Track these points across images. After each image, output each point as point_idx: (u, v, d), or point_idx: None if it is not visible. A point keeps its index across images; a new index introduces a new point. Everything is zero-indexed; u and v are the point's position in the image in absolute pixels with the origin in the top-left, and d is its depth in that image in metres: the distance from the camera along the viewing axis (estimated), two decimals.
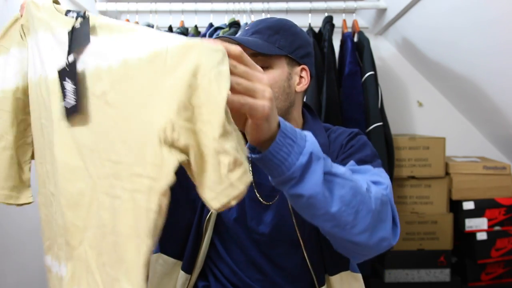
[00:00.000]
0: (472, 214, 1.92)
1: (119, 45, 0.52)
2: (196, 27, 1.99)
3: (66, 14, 0.60)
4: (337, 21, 1.97)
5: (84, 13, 0.57)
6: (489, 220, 1.90)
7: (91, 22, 0.55)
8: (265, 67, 0.81)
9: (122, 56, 0.51)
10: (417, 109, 2.40)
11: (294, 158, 0.55)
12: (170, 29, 2.00)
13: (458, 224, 1.95)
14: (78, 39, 0.55)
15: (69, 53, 0.56)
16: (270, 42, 0.81)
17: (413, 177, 1.95)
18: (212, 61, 0.45)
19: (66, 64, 0.56)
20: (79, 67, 0.55)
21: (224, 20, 1.98)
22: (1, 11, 1.33)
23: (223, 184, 0.45)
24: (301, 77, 0.86)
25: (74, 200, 0.56)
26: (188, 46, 0.46)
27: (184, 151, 0.46)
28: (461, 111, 2.35)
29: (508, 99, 1.79)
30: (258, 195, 0.84)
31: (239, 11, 1.99)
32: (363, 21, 2.34)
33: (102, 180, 0.53)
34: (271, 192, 0.84)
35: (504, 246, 1.91)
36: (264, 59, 0.80)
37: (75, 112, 0.55)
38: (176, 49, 0.46)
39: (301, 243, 0.81)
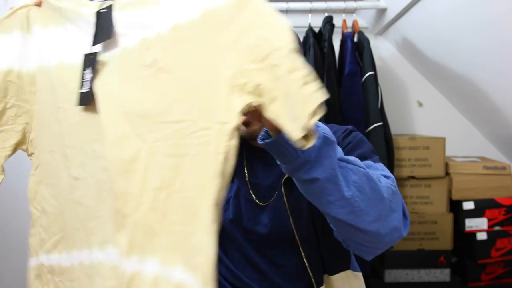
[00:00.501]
0: (472, 214, 1.91)
1: (161, 13, 0.53)
2: None
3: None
4: (337, 21, 1.96)
5: None
6: (489, 220, 1.90)
7: (118, 4, 0.57)
8: None
9: (170, 22, 0.52)
10: (417, 109, 2.40)
11: None
12: None
13: (458, 224, 1.95)
14: (104, 23, 0.57)
15: (94, 40, 0.58)
16: None
17: (413, 177, 1.95)
18: (265, 8, 0.47)
19: (90, 52, 0.59)
20: (112, 49, 0.57)
21: None
22: (1, 11, 1.33)
23: (300, 101, 0.44)
24: None
25: (126, 167, 0.55)
26: (238, 2, 0.48)
27: (255, 92, 0.47)
28: (461, 111, 2.35)
29: (508, 99, 1.78)
30: (254, 196, 0.84)
31: None
32: (363, 21, 2.34)
33: (160, 142, 0.53)
34: (267, 193, 0.84)
35: (504, 246, 1.91)
36: None
37: (88, 98, 0.58)
38: (226, 5, 0.48)
39: (299, 243, 0.81)
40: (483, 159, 2.11)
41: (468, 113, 2.31)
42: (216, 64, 0.49)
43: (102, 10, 0.58)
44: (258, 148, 0.81)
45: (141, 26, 0.55)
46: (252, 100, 0.47)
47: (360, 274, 0.88)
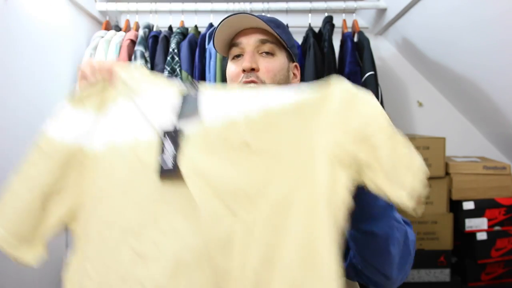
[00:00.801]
0: (472, 214, 1.92)
1: (246, 98, 0.59)
2: (196, 27, 1.99)
3: (166, 78, 0.66)
4: (337, 21, 1.97)
5: (192, 80, 0.60)
6: (489, 220, 1.90)
7: (200, 87, 0.63)
8: (271, 54, 0.84)
9: (259, 107, 0.57)
10: (417, 109, 2.40)
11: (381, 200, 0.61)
12: (170, 29, 2.01)
13: (458, 224, 1.95)
14: (189, 105, 0.62)
15: (178, 119, 0.62)
16: (276, 32, 0.83)
17: None
18: (347, 93, 0.54)
19: (173, 129, 0.62)
20: (196, 128, 0.60)
21: None
22: (1, 11, 1.33)
23: (411, 173, 0.49)
24: (294, 74, 0.91)
25: (224, 244, 0.55)
26: (325, 90, 0.54)
27: (358, 168, 0.51)
28: (461, 111, 2.35)
29: (508, 99, 1.79)
30: None
31: (239, 11, 1.99)
32: (363, 21, 2.34)
33: (257, 219, 0.54)
34: None
35: (504, 246, 1.91)
36: (271, 46, 0.83)
37: (171, 174, 0.59)
38: (315, 95, 0.55)
39: None
40: (483, 159, 2.11)
41: (468, 113, 2.31)
42: (312, 145, 0.53)
43: (186, 93, 0.63)
44: None
45: (226, 109, 0.59)
46: (356, 175, 0.51)
47: (356, 284, 0.87)
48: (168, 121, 0.63)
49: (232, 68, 0.85)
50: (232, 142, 0.57)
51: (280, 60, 0.85)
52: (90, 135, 0.68)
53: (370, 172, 0.50)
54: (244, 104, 0.58)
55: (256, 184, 0.55)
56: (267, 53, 0.83)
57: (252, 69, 0.81)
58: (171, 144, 0.61)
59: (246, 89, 0.61)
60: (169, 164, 0.60)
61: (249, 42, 0.83)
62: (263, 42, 0.83)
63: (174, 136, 0.61)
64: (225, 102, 0.60)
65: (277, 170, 0.54)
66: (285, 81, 0.85)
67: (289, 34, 0.89)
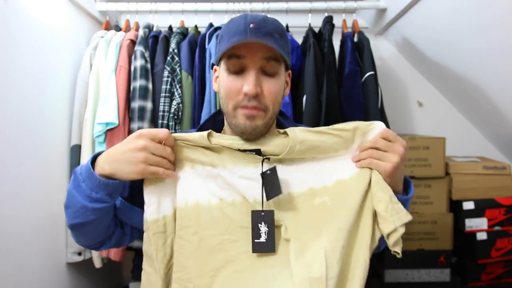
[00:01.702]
0: (472, 214, 1.92)
1: (319, 171, 0.79)
2: (196, 27, 1.99)
3: (240, 150, 0.78)
4: (337, 21, 1.96)
5: (267, 158, 0.77)
6: (489, 220, 1.90)
7: (280, 164, 0.78)
8: (273, 74, 0.80)
9: (333, 178, 0.78)
10: (417, 109, 2.40)
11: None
12: (170, 29, 2.01)
13: (458, 224, 1.95)
14: (271, 184, 0.75)
15: (267, 196, 0.75)
16: (280, 46, 0.79)
17: (413, 177, 1.95)
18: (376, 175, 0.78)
19: (262, 210, 0.76)
20: (281, 197, 0.76)
21: (224, 20, 1.98)
22: (1, 11, 1.33)
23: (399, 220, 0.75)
24: (286, 81, 0.88)
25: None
26: (362, 170, 0.79)
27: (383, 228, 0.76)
28: (461, 111, 2.35)
29: (508, 100, 1.79)
30: None
31: (239, 11, 1.99)
32: (363, 21, 2.34)
33: (334, 252, 0.74)
34: None
35: (504, 246, 1.91)
36: (275, 65, 0.80)
37: (266, 249, 0.75)
38: (359, 171, 0.78)
39: None
40: (483, 159, 2.11)
41: (468, 113, 2.31)
42: (365, 208, 0.76)
43: (267, 171, 0.76)
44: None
45: (305, 180, 0.78)
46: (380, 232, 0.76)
47: None
48: (254, 198, 0.77)
49: (231, 83, 0.80)
50: (313, 203, 0.76)
51: (281, 79, 0.82)
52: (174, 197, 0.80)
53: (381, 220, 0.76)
54: (319, 176, 0.78)
55: (330, 231, 0.75)
56: (270, 74, 0.80)
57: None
58: (264, 224, 0.75)
59: (313, 164, 0.79)
60: (262, 238, 0.75)
61: (253, 60, 0.78)
62: (268, 60, 0.78)
63: (267, 215, 0.75)
64: (301, 175, 0.78)
65: (343, 222, 0.74)
66: (281, 97, 0.84)
67: (288, 41, 0.85)
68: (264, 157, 0.77)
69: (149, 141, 0.74)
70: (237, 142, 0.79)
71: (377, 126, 0.80)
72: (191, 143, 0.79)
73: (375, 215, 0.77)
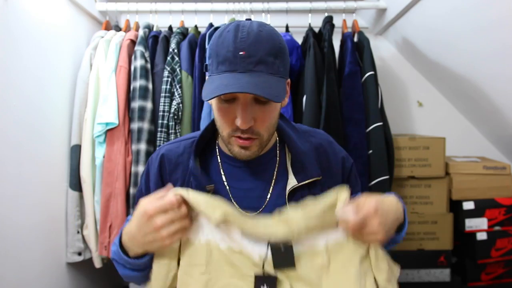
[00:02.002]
0: (472, 214, 1.92)
1: (316, 237, 0.79)
2: (196, 27, 1.99)
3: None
4: (337, 21, 1.96)
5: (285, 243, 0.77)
6: (489, 220, 1.91)
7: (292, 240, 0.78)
8: (267, 101, 0.76)
9: (335, 240, 0.79)
10: (417, 109, 2.40)
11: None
12: (170, 29, 2.01)
13: (458, 224, 1.95)
14: (282, 259, 0.77)
15: (275, 265, 0.76)
16: (274, 72, 0.74)
17: (413, 177, 1.95)
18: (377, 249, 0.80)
19: (265, 276, 0.77)
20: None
21: (224, 20, 1.98)
22: (1, 11, 1.33)
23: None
24: (286, 91, 0.85)
25: None
26: (351, 241, 0.79)
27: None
28: (461, 111, 2.35)
29: (507, 100, 1.79)
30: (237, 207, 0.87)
31: (239, 11, 1.99)
32: (363, 21, 2.34)
33: None
34: (255, 204, 0.88)
35: (504, 246, 1.91)
36: None
37: None
38: (352, 241, 0.79)
39: None
40: (483, 159, 2.11)
41: (468, 113, 2.31)
42: (361, 271, 0.78)
43: (277, 247, 0.77)
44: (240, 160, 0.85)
45: (310, 245, 0.79)
46: None
47: None
48: (260, 255, 0.77)
49: (224, 113, 0.77)
50: (314, 264, 0.78)
51: (276, 104, 0.79)
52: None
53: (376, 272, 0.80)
54: (320, 241, 0.79)
55: None
56: (263, 101, 0.76)
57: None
58: (264, 284, 0.77)
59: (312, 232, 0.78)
60: None
61: (245, 95, 0.74)
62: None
63: (271, 279, 0.77)
64: (308, 242, 0.79)
65: (339, 284, 0.77)
66: (277, 118, 0.82)
67: (285, 56, 0.79)
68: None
69: (162, 216, 0.72)
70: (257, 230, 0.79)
71: (341, 196, 0.78)
72: (203, 215, 0.78)
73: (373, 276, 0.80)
